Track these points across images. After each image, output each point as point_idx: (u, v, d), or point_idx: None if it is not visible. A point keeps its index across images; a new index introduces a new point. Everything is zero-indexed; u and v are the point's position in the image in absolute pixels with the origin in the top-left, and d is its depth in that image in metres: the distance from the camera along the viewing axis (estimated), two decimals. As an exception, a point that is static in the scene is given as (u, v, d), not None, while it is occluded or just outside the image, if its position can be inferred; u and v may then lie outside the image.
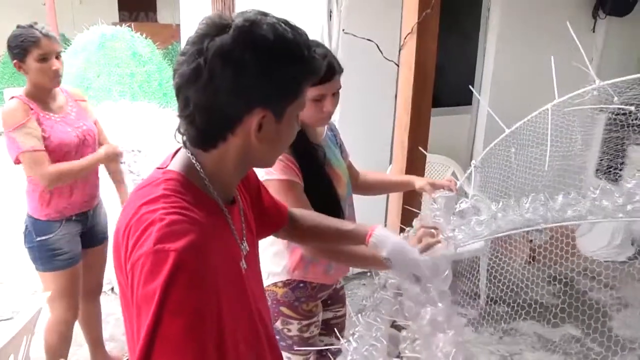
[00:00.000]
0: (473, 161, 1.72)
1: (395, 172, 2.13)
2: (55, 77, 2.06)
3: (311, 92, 1.45)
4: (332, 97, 1.50)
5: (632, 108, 1.39)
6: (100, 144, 2.27)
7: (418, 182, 1.76)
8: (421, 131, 1.99)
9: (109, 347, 2.63)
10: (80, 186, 2.17)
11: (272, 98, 0.85)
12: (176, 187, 0.86)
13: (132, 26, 5.61)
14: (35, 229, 2.13)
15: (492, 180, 1.76)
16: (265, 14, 0.86)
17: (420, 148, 1.83)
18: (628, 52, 4.42)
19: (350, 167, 1.81)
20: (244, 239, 1.01)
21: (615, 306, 3.43)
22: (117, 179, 2.44)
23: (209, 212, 0.87)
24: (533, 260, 3.88)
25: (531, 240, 4.02)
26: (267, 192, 1.24)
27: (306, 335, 1.67)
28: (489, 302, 3.35)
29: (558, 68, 1.55)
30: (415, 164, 2.03)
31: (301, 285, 1.65)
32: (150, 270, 0.76)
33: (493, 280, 3.37)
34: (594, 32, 4.18)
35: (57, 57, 2.07)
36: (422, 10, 1.89)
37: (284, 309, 1.66)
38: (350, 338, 1.09)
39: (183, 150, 0.92)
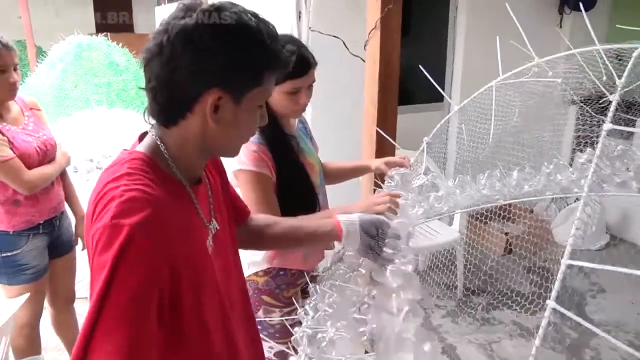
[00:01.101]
0: (425, 137, 1.78)
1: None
2: (12, 90, 2.04)
3: (287, 86, 1.51)
4: (307, 89, 1.56)
5: (559, 80, 1.47)
6: None
7: (374, 163, 1.81)
8: (388, 123, 2.05)
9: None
10: (45, 192, 2.13)
11: (229, 80, 0.89)
12: (140, 166, 0.90)
13: (109, 36, 5.62)
14: (1, 243, 2.07)
15: (442, 155, 1.84)
16: (235, 4, 0.91)
17: (387, 137, 1.88)
18: (594, 44, 4.54)
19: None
20: (212, 218, 1.05)
21: (590, 292, 3.51)
22: (70, 195, 2.35)
23: (172, 191, 0.92)
24: (510, 252, 3.96)
25: (507, 233, 4.11)
26: (230, 186, 1.27)
27: (289, 322, 1.71)
28: (467, 293, 3.41)
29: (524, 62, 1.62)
30: (385, 156, 2.08)
31: (281, 272, 1.69)
32: (105, 242, 0.80)
33: (470, 271, 3.45)
34: (560, 27, 4.30)
35: (15, 69, 2.04)
36: (385, 5, 1.96)
37: (265, 298, 1.69)
38: (307, 307, 1.14)
39: (149, 134, 0.96)
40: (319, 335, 1.07)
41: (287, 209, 1.52)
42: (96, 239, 0.81)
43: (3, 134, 1.98)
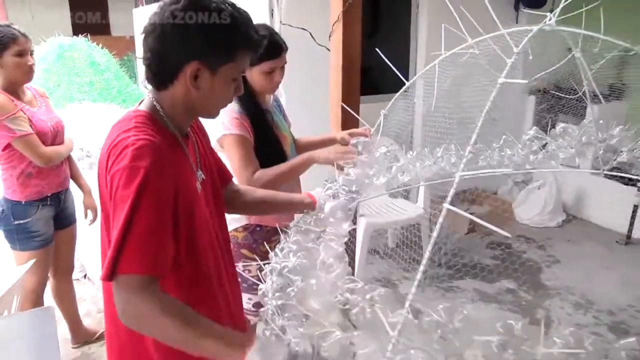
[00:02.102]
0: (382, 110, 2.03)
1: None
2: (30, 72, 2.30)
3: (264, 66, 1.80)
4: (280, 70, 1.85)
5: (477, 50, 1.68)
6: None
7: (339, 134, 2.07)
8: (351, 102, 2.30)
9: (85, 322, 2.86)
10: (54, 168, 2.40)
11: (206, 54, 1.13)
12: (144, 121, 1.14)
13: (89, 37, 5.79)
14: (14, 212, 2.34)
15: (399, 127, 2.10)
16: None
17: (350, 110, 2.12)
18: (550, 39, 4.88)
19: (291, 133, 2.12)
20: (199, 168, 1.29)
21: (546, 262, 3.83)
22: (76, 174, 2.65)
23: (169, 141, 1.16)
24: (473, 231, 4.27)
25: (472, 213, 4.40)
26: (214, 151, 1.50)
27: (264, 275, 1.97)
28: (431, 266, 3.70)
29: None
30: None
31: (258, 229, 1.94)
32: (125, 180, 1.05)
33: (435, 247, 3.73)
34: (517, 22, 4.62)
35: (31, 54, 2.31)
36: (346, 0, 2.22)
37: (244, 251, 1.94)
38: (276, 249, 1.39)
39: (147, 97, 1.21)
40: (285, 266, 1.31)
41: None
42: (117, 179, 1.05)
43: (24, 113, 2.26)
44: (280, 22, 3.08)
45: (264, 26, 1.84)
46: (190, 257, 1.19)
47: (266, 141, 1.85)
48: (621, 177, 1.74)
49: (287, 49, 1.84)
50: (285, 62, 1.86)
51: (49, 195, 2.42)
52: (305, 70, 3.07)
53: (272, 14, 3.17)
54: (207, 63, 1.13)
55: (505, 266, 3.69)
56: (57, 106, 4.68)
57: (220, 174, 1.48)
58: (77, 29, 10.14)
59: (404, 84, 2.06)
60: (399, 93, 2.06)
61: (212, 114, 1.27)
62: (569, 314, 3.13)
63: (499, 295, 3.36)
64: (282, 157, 1.90)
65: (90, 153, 3.07)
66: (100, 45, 5.91)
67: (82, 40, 5.51)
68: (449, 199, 1.30)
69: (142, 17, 6.67)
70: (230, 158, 1.76)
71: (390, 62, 2.07)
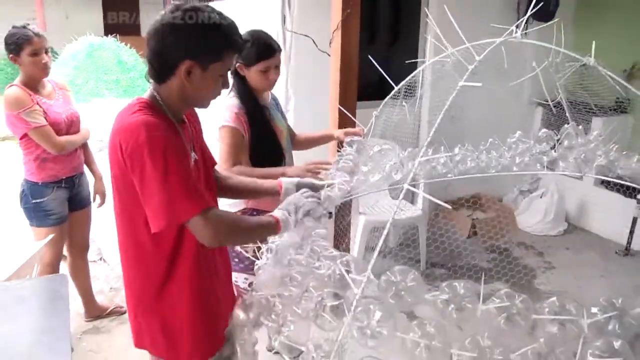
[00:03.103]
0: (374, 111, 2.20)
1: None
2: (45, 69, 2.52)
3: (260, 66, 2.02)
4: (274, 69, 2.06)
5: (460, 57, 1.81)
6: None
7: (336, 132, 2.28)
8: (348, 104, 2.49)
9: (98, 299, 3.10)
10: (68, 154, 2.64)
11: (198, 54, 1.34)
12: (146, 107, 1.36)
13: (118, 37, 6.10)
14: (32, 192, 2.59)
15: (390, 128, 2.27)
16: (208, 6, 1.37)
17: (346, 112, 2.30)
18: (556, 52, 5.01)
19: (289, 128, 2.33)
20: (193, 150, 1.50)
21: (542, 268, 3.95)
22: (89, 160, 2.88)
23: (167, 124, 1.37)
24: (475, 235, 4.40)
25: (475, 218, 4.55)
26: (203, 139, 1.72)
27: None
28: (429, 266, 3.85)
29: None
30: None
31: (254, 213, 2.13)
32: (150, 149, 1.27)
33: (435, 249, 3.89)
34: (526, 35, 4.74)
35: (46, 52, 2.53)
36: (345, 10, 2.42)
37: None
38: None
39: (149, 89, 1.43)
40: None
41: (259, 160, 1.99)
42: (143, 150, 1.27)
43: (40, 106, 2.51)
44: (285, 28, 3.30)
45: (260, 31, 2.04)
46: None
47: (263, 132, 2.06)
48: (622, 187, 1.84)
49: (280, 50, 2.05)
50: (280, 62, 2.06)
51: (64, 178, 2.66)
52: (311, 73, 3.28)
53: (284, 21, 3.39)
54: (199, 61, 1.34)
55: (501, 269, 3.82)
56: (84, 101, 4.99)
57: (209, 157, 1.69)
58: (109, 29, 10.54)
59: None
60: (388, 97, 2.24)
61: (203, 104, 1.48)
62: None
63: (490, 297, 3.48)
64: (276, 147, 2.10)
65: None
66: (129, 45, 6.20)
67: (111, 40, 5.81)
68: (408, 180, 1.48)
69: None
70: (220, 146, 1.97)
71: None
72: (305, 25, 3.30)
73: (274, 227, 1.40)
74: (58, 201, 2.65)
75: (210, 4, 4.10)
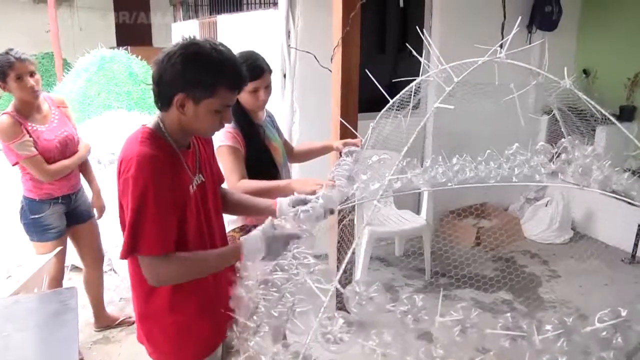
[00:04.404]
0: (371, 123, 2.25)
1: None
2: (33, 92, 2.52)
3: (249, 87, 2.05)
4: (264, 89, 2.11)
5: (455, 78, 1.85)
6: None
7: (335, 143, 2.34)
8: (349, 118, 2.56)
9: (108, 309, 3.19)
10: (71, 173, 2.72)
11: (190, 89, 1.40)
12: (148, 136, 1.44)
13: (129, 49, 6.22)
14: (30, 208, 2.66)
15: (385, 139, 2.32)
16: (208, 41, 1.42)
17: (347, 125, 2.37)
18: (564, 61, 5.04)
19: (285, 143, 2.40)
20: (198, 172, 1.57)
21: (546, 277, 3.97)
22: (88, 176, 2.92)
23: (166, 152, 1.45)
24: (478, 245, 4.44)
25: (480, 227, 4.58)
26: (215, 158, 1.79)
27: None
28: (433, 275, 3.89)
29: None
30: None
31: (253, 229, 2.20)
32: (134, 185, 1.37)
33: (440, 258, 3.93)
34: (530, 44, 4.78)
35: (32, 75, 2.52)
36: (344, 27, 2.49)
37: None
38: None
39: (156, 114, 1.51)
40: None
41: (254, 178, 2.06)
42: (125, 185, 1.38)
43: (30, 135, 2.53)
44: (289, 45, 3.38)
45: (250, 53, 2.10)
46: (179, 245, 1.48)
47: (257, 150, 2.13)
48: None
49: (270, 71, 2.10)
50: (269, 83, 2.12)
51: (59, 196, 2.72)
52: (314, 88, 3.36)
53: (288, 36, 3.48)
54: (192, 95, 1.41)
55: (504, 277, 3.85)
56: (95, 113, 5.10)
57: (218, 176, 1.77)
58: (121, 40, 10.72)
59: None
60: (384, 109, 2.29)
61: (203, 135, 1.57)
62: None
63: (495, 306, 3.52)
64: (271, 164, 2.17)
65: (99, 160, 3.43)
66: (140, 56, 6.32)
67: (122, 52, 5.93)
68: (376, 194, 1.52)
69: (179, 31, 7.11)
70: (222, 165, 2.03)
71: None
72: (308, 42, 3.39)
73: (237, 255, 1.48)
74: (56, 215, 2.72)
75: (218, 17, 4.24)
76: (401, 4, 4.58)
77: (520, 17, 1.90)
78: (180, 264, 1.44)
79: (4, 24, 10.68)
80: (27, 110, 2.57)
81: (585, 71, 5.06)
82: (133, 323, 3.04)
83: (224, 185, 1.84)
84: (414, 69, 4.41)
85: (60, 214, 2.74)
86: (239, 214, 2.08)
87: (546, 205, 4.70)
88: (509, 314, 1.12)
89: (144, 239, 1.37)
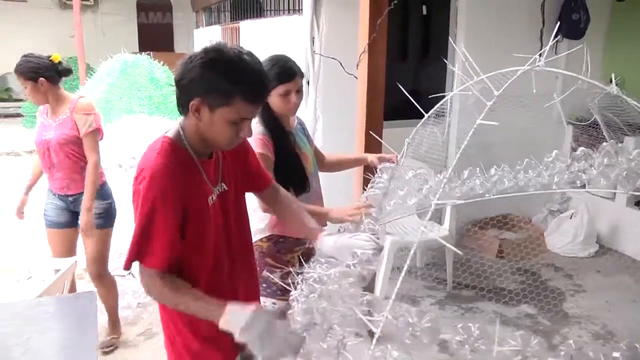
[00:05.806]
0: (407, 139, 2.19)
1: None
2: (31, 98, 2.76)
3: (280, 89, 2.00)
4: (296, 93, 2.04)
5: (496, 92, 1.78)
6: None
7: (369, 157, 2.27)
8: (375, 127, 2.52)
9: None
10: (52, 175, 2.83)
11: (206, 95, 1.35)
12: (167, 147, 1.41)
13: (151, 54, 6.26)
14: (46, 195, 2.92)
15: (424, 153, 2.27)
16: (233, 48, 1.38)
17: (376, 136, 2.32)
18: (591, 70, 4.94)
19: (316, 151, 2.34)
20: (219, 182, 1.54)
21: (571, 291, 3.87)
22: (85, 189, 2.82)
23: (184, 164, 1.43)
24: (502, 257, 4.35)
25: (503, 239, 4.50)
26: (255, 159, 1.73)
27: (287, 281, 2.13)
28: (456, 287, 3.81)
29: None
30: (371, 152, 2.51)
31: (281, 240, 2.14)
32: (144, 197, 1.36)
33: (462, 270, 3.86)
34: (556, 53, 4.71)
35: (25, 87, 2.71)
36: (371, 33, 2.45)
37: (268, 260, 2.14)
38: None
39: (177, 121, 1.48)
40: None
41: (283, 186, 2.00)
42: (136, 197, 1.38)
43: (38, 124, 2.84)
44: (313, 51, 3.35)
45: (281, 55, 2.05)
46: (196, 254, 1.48)
47: (287, 157, 2.07)
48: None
49: (302, 75, 2.05)
50: (301, 86, 2.06)
51: (55, 193, 2.88)
52: (338, 95, 3.32)
53: (313, 42, 3.45)
54: (207, 102, 1.36)
55: (528, 291, 3.76)
56: (117, 117, 5.13)
57: (258, 181, 1.74)
58: (143, 45, 10.83)
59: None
60: (420, 123, 2.22)
61: (218, 145, 1.48)
62: (586, 343, 3.18)
63: (518, 320, 3.44)
64: (301, 172, 2.12)
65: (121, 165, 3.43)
66: (162, 62, 6.35)
67: (144, 57, 5.97)
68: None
69: (202, 37, 7.15)
70: None
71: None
72: (332, 49, 3.35)
73: (218, 314, 1.35)
74: (52, 206, 2.89)
75: (241, 23, 4.22)
76: (424, 12, 4.54)
77: (557, 25, 1.83)
78: (169, 290, 1.40)
79: (31, 28, 10.88)
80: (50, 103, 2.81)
81: (614, 79, 4.95)
82: (114, 349, 3.00)
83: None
84: (436, 77, 4.40)
85: (56, 207, 2.88)
86: (282, 221, 1.96)
87: (570, 218, 4.60)
88: (571, 341, 1.05)
89: (149, 255, 1.38)
